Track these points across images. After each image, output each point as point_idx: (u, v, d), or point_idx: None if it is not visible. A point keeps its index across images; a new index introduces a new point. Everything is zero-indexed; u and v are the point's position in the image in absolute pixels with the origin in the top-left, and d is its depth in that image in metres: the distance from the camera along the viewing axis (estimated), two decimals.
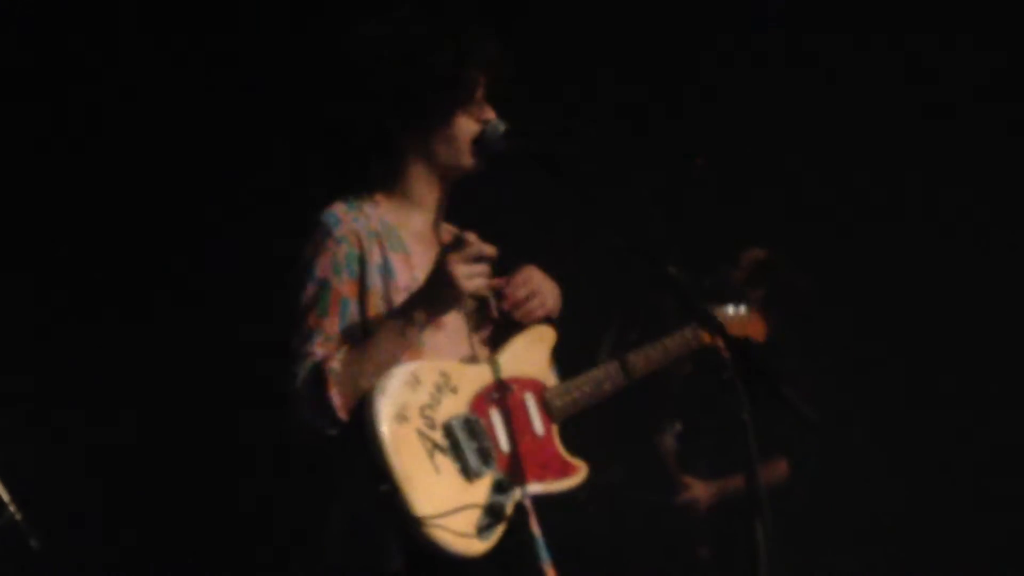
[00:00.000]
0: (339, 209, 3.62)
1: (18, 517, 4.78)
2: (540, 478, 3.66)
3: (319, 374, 3.44)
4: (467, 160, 3.69)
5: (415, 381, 3.50)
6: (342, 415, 3.44)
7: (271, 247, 4.70)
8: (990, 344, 6.22)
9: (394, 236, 3.64)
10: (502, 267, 3.66)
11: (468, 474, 3.52)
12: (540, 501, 3.69)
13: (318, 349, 3.48)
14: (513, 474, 3.59)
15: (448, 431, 3.52)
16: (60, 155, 5.88)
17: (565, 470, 3.74)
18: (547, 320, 3.78)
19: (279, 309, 3.63)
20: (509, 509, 3.56)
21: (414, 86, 3.61)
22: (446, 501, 3.45)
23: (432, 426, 3.50)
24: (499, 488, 3.55)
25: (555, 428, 3.75)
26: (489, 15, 3.72)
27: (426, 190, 3.71)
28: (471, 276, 3.48)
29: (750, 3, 6.31)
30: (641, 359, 3.92)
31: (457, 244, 3.49)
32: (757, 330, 4.55)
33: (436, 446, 3.49)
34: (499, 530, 3.53)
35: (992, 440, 6.20)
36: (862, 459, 5.95)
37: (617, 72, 6.24)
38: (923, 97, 6.24)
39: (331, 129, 3.71)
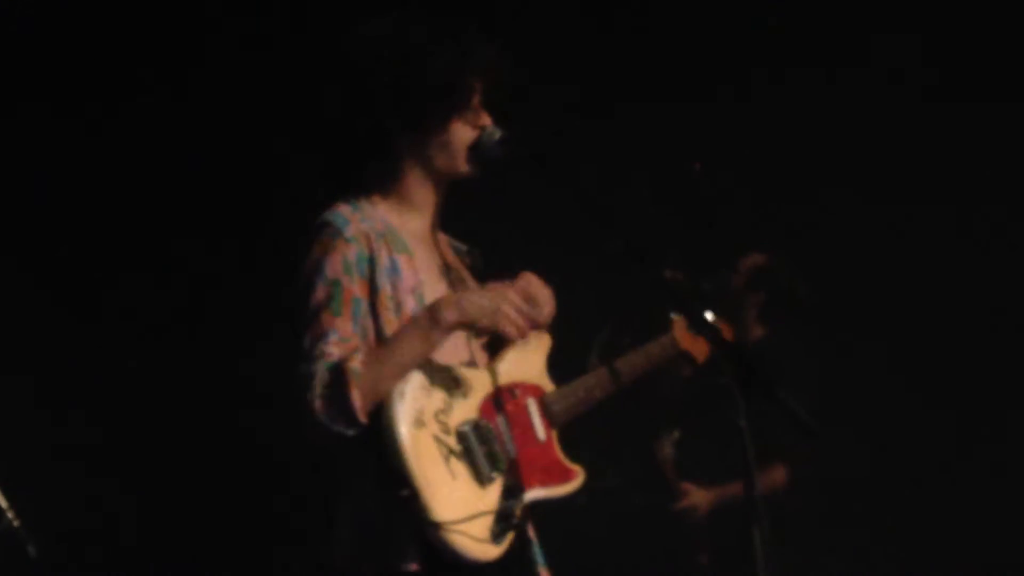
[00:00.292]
0: (344, 210, 3.59)
1: (16, 524, 4.78)
2: (543, 483, 3.66)
3: (340, 375, 3.37)
4: (462, 166, 3.68)
5: (429, 385, 3.49)
6: (362, 417, 3.38)
7: (271, 247, 4.69)
8: (990, 344, 6.22)
9: (397, 237, 3.62)
10: (498, 272, 3.66)
11: (481, 479, 3.51)
12: (535, 505, 3.67)
13: (334, 349, 3.41)
14: (519, 479, 3.59)
15: (461, 436, 3.51)
16: (60, 155, 5.88)
17: (565, 475, 3.74)
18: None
19: (284, 309, 3.58)
20: (518, 514, 3.56)
21: (412, 89, 3.60)
22: (463, 506, 3.44)
23: (447, 431, 3.49)
24: (508, 493, 3.55)
25: (555, 433, 3.75)
26: (489, 15, 3.71)
27: (422, 193, 3.70)
28: (512, 318, 3.51)
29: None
30: (627, 366, 3.95)
31: (528, 283, 3.53)
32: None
33: (451, 451, 3.48)
34: (510, 535, 3.53)
35: (992, 440, 6.20)
36: (861, 460, 5.94)
37: (617, 73, 6.24)
38: (923, 97, 6.23)
39: (329, 128, 3.69)
